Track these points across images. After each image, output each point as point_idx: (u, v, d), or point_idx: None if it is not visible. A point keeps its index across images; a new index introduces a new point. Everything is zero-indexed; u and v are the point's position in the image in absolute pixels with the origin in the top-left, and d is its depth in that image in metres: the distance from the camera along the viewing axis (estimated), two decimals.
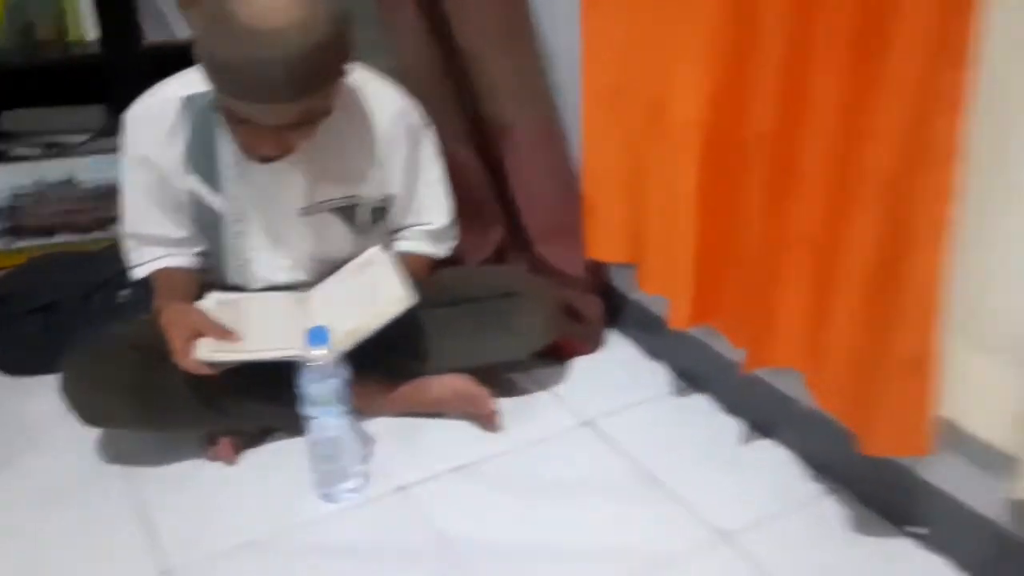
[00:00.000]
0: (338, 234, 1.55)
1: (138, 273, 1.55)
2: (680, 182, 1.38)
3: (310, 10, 1.21)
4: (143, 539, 1.34)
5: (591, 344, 1.81)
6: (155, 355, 1.38)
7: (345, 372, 1.34)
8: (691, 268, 1.42)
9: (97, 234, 2.15)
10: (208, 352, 1.34)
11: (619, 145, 1.54)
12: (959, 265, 1.06)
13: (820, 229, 1.21)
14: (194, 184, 1.47)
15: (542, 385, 1.70)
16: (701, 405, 1.63)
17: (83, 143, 2.15)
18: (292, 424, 1.42)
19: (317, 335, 1.31)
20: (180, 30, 2.12)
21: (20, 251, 2.12)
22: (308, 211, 1.51)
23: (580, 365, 1.76)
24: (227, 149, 1.43)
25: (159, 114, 1.43)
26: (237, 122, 1.32)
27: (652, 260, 1.53)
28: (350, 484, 1.41)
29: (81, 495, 1.44)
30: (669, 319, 1.48)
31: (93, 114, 2.18)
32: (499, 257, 1.88)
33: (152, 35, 2.09)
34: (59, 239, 2.15)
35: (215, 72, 1.24)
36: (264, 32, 1.19)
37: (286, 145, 1.35)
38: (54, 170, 2.12)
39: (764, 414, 1.51)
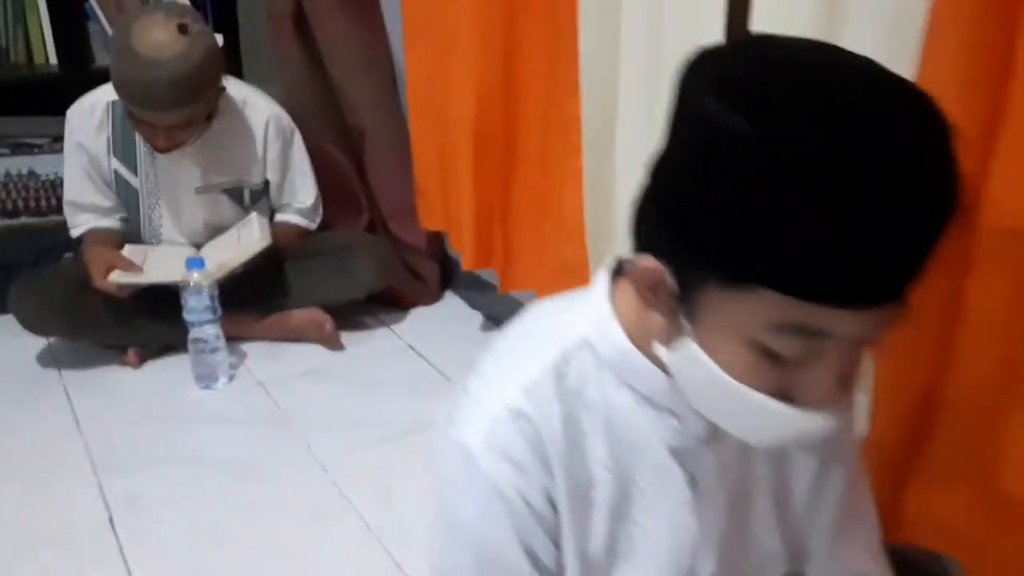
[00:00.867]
0: (227, 209, 2.10)
1: (74, 233, 2.09)
2: (461, 166, 1.94)
3: (187, 45, 1.77)
4: (70, 417, 1.87)
5: (428, 299, 2.36)
6: (80, 282, 1.92)
7: (215, 291, 1.88)
8: (472, 229, 1.97)
9: (52, 217, 2.68)
10: (117, 277, 1.88)
11: (433, 142, 2.10)
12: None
13: (536, 195, 1.77)
14: (117, 166, 2.02)
15: (384, 324, 2.25)
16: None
17: (43, 145, 2.71)
18: (182, 340, 1.95)
19: (194, 263, 1.86)
20: None
21: None
22: (202, 191, 2.06)
23: (417, 312, 2.32)
24: (141, 141, 1.98)
25: (91, 112, 1.99)
26: (137, 122, 1.87)
27: (453, 225, 2.08)
28: (221, 377, 1.94)
29: (24, 389, 1.96)
30: (462, 263, 2.03)
31: (52, 122, 2.73)
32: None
33: (101, 60, 2.65)
34: (22, 220, 2.69)
35: (119, 87, 1.81)
36: (152, 59, 1.74)
37: (175, 141, 1.90)
38: (19, 165, 2.67)
39: None
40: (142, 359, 2.03)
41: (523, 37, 1.68)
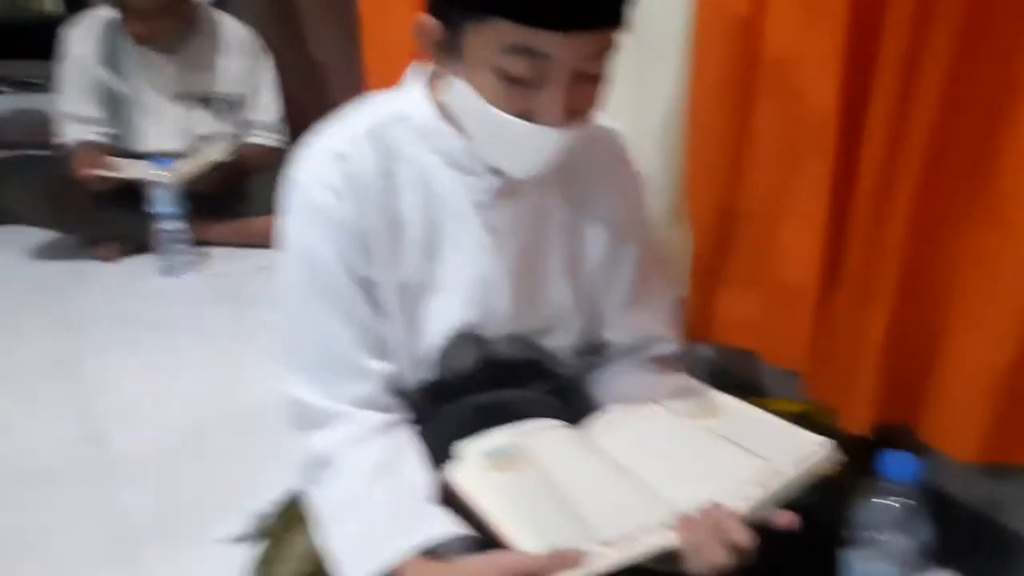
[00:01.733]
0: (202, 118, 2.36)
1: (64, 139, 2.35)
2: None
3: None
4: (55, 306, 2.13)
5: None
6: (65, 179, 2.20)
7: (181, 190, 2.13)
8: None
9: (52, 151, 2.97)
10: (97, 170, 2.15)
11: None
12: None
13: None
14: (108, 76, 2.29)
15: None
16: None
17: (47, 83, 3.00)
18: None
19: (163, 162, 2.12)
20: None
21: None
22: (181, 96, 2.33)
23: None
24: (128, 53, 2.25)
25: (88, 25, 2.28)
26: (124, 9, 2.16)
27: None
28: (185, 269, 2.20)
29: (11, 285, 2.23)
30: None
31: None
32: None
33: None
34: (27, 152, 2.97)
35: None
36: None
37: (154, 30, 2.18)
38: (26, 102, 2.96)
39: None
40: (118, 252, 2.30)
41: None
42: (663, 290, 1.09)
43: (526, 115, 0.82)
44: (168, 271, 2.19)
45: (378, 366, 0.93)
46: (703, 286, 1.30)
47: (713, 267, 1.29)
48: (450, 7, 0.82)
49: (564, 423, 0.94)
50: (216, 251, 2.35)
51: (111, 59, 2.29)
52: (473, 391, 0.98)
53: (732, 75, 1.17)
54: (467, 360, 0.99)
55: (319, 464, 0.91)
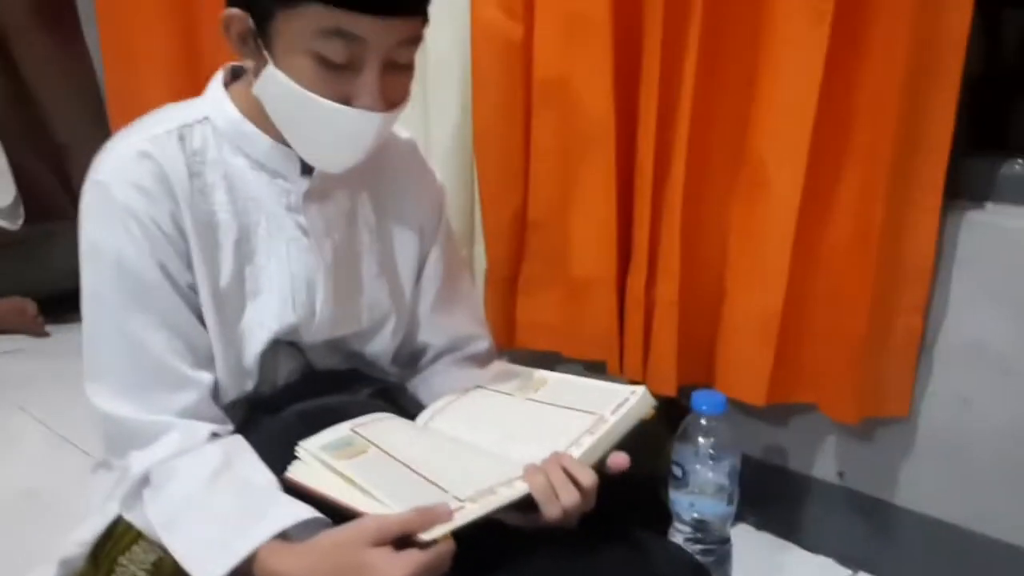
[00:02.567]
0: None
1: None
2: None
3: None
4: None
5: None
6: None
7: None
8: None
9: None
10: None
11: None
12: None
13: None
14: None
15: None
16: None
17: None
18: None
19: None
20: None
21: None
22: None
23: None
24: None
25: None
26: None
27: None
28: None
29: None
30: None
31: None
32: None
33: None
34: None
35: None
36: None
37: None
38: None
39: None
40: None
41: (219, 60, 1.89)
42: (470, 291, 1.14)
43: (344, 101, 0.83)
44: None
45: (201, 375, 0.88)
46: (501, 296, 1.36)
47: (509, 276, 1.35)
48: None
49: (395, 416, 0.94)
50: None
51: None
52: (295, 402, 0.94)
53: (510, 94, 1.27)
54: (287, 370, 0.97)
55: (142, 483, 0.83)
